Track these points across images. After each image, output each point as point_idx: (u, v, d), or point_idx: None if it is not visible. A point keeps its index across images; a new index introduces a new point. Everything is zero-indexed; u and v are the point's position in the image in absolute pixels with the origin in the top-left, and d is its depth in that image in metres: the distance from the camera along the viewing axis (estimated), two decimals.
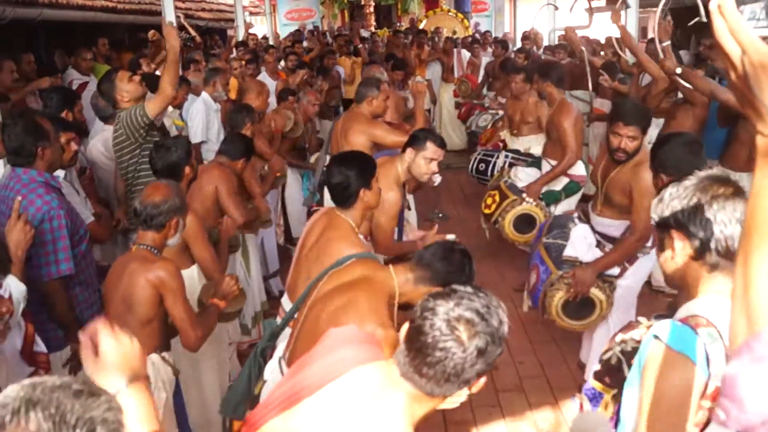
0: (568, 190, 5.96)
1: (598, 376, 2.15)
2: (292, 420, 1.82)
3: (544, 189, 5.89)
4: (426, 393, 1.74)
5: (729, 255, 1.80)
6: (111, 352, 1.62)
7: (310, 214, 6.35)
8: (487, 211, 6.04)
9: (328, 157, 5.83)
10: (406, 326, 1.78)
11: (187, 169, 3.99)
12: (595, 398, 2.13)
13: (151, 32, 8.07)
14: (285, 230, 7.00)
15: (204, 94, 6.72)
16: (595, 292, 4.25)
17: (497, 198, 5.96)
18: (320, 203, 6.18)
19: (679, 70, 5.34)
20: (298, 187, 7.03)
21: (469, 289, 1.77)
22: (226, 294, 3.51)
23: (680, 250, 1.88)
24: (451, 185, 9.49)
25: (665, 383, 1.76)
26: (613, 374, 2.07)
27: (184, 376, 3.70)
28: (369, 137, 5.38)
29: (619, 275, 4.34)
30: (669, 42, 5.68)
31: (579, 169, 6.00)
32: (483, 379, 1.76)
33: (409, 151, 4.22)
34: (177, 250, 3.80)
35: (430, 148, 4.19)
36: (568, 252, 4.40)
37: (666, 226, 1.92)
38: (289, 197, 6.96)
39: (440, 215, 8.41)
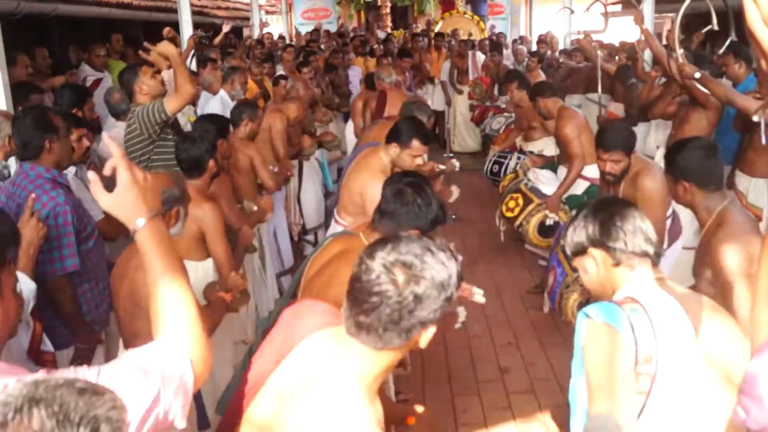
0: (590, 194, 5.85)
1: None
2: (267, 394, 1.77)
3: (567, 194, 5.88)
4: (371, 348, 1.64)
5: (641, 253, 2.17)
6: (128, 185, 1.65)
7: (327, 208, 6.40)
8: (509, 214, 5.99)
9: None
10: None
11: (211, 163, 3.99)
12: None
13: (167, 29, 8.06)
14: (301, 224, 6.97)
15: (222, 92, 6.73)
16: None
17: (520, 201, 5.93)
18: None
19: (698, 75, 5.28)
20: (317, 176, 7.02)
21: (413, 235, 1.68)
22: (232, 287, 3.44)
23: (602, 262, 2.22)
24: (464, 187, 9.39)
25: (596, 351, 2.04)
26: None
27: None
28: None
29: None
30: (683, 51, 5.62)
31: (597, 172, 5.91)
32: (432, 330, 1.65)
33: (394, 146, 4.20)
34: (194, 240, 3.80)
35: (415, 145, 4.18)
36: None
37: (583, 250, 2.27)
38: (305, 188, 6.94)
39: (453, 216, 8.38)
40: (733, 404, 1.34)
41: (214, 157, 4.01)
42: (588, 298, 4.22)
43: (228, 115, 6.41)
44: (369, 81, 8.05)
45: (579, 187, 5.92)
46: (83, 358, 3.37)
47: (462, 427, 4.36)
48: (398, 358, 1.73)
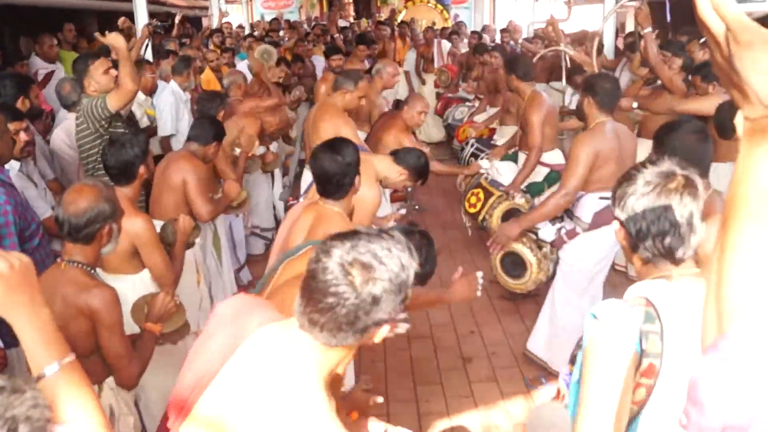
0: (551, 180, 5.91)
1: (572, 359, 2.10)
2: (211, 400, 1.71)
3: (527, 181, 5.89)
4: (323, 343, 1.62)
5: (661, 253, 1.89)
6: None
7: (287, 209, 6.30)
8: (472, 210, 5.98)
9: (299, 149, 5.79)
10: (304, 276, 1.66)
11: (142, 169, 3.70)
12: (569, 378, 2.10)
13: (122, 19, 7.91)
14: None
15: (173, 84, 6.59)
16: (524, 251, 4.60)
17: (481, 196, 5.92)
18: (296, 196, 6.10)
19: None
20: (267, 178, 6.93)
21: (373, 231, 1.64)
22: (160, 315, 3.02)
23: (620, 238, 1.99)
24: (429, 178, 9.40)
25: (598, 356, 1.78)
26: None
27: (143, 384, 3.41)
28: (336, 133, 5.28)
29: (555, 244, 4.56)
30: (650, 29, 5.65)
31: (558, 158, 6.01)
32: (386, 328, 1.63)
33: (402, 171, 4.24)
34: (127, 255, 3.58)
35: (410, 174, 4.26)
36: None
37: (615, 216, 2.00)
38: (256, 189, 6.83)
39: (416, 207, 8.35)
40: None
41: (144, 162, 3.72)
42: (502, 249, 4.55)
43: (178, 106, 6.32)
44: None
45: (539, 174, 5.95)
46: None
47: (424, 417, 4.33)
48: (352, 352, 1.72)
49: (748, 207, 1.03)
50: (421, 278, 2.81)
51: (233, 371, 1.72)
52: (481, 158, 6.65)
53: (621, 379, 1.75)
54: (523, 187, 5.83)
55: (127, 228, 3.37)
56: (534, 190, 5.90)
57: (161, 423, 1.97)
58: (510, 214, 5.71)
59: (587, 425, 1.76)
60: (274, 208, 7.11)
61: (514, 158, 6.30)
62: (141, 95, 6.25)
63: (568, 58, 7.45)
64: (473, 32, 13.27)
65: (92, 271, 2.83)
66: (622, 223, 1.95)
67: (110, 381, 2.89)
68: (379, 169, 4.23)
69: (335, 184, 3.28)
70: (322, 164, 3.28)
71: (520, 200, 5.75)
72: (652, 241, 1.88)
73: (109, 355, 2.77)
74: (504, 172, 6.11)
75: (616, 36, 9.37)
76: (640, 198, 1.89)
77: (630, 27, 11.15)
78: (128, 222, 3.40)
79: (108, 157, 3.66)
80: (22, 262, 1.49)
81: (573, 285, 4.54)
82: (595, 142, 4.29)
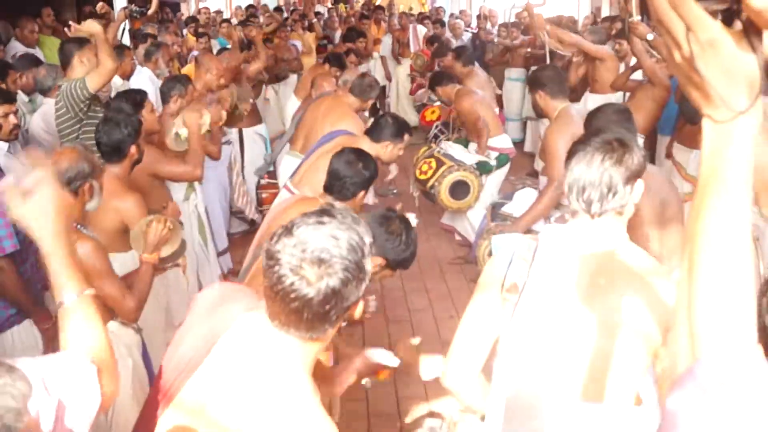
0: (501, 162, 6.40)
1: None
2: (194, 388, 1.72)
3: (477, 160, 6.23)
4: (301, 339, 1.62)
5: (582, 207, 2.15)
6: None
7: (259, 186, 6.31)
8: (422, 177, 6.22)
9: (292, 131, 5.81)
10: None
11: (133, 149, 3.78)
12: None
13: (100, 5, 7.84)
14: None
15: (147, 71, 6.55)
16: None
17: (433, 165, 6.17)
18: (272, 175, 6.11)
19: (650, 37, 5.35)
20: (259, 152, 6.90)
21: (311, 218, 1.58)
22: (156, 242, 3.25)
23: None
24: (405, 161, 9.41)
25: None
26: None
27: (153, 329, 3.68)
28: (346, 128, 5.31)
29: None
30: (639, 16, 5.63)
31: (505, 142, 6.48)
32: (361, 304, 1.64)
33: (386, 144, 4.36)
34: (118, 233, 3.63)
35: (406, 139, 4.44)
36: (506, 208, 4.79)
37: None
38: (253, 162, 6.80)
39: (394, 191, 8.38)
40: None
41: (136, 142, 3.80)
42: None
43: (157, 94, 6.24)
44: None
45: (490, 156, 6.34)
46: (52, 339, 3.25)
47: (403, 401, 4.39)
48: (333, 334, 1.71)
49: (717, 218, 0.98)
50: (404, 263, 2.88)
51: (216, 360, 1.73)
52: (440, 140, 6.99)
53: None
54: (474, 166, 6.15)
55: (117, 206, 3.55)
56: (484, 169, 6.26)
57: (145, 406, 1.98)
58: (458, 185, 6.06)
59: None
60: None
61: (465, 142, 6.66)
62: (119, 80, 6.22)
63: (547, 45, 7.51)
64: (436, 20, 13.19)
65: (78, 227, 2.99)
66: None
67: (111, 324, 3.03)
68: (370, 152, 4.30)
69: (341, 184, 3.42)
70: (342, 163, 3.46)
71: (466, 169, 6.08)
72: (576, 195, 2.14)
73: (104, 298, 2.89)
74: (455, 151, 6.40)
75: (593, 21, 9.42)
76: (579, 160, 2.14)
77: (606, 12, 11.20)
78: (118, 200, 3.54)
79: (101, 134, 3.74)
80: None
81: None
82: (567, 129, 4.35)
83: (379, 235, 2.70)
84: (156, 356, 3.47)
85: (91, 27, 4.46)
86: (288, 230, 1.56)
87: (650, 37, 5.30)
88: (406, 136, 4.42)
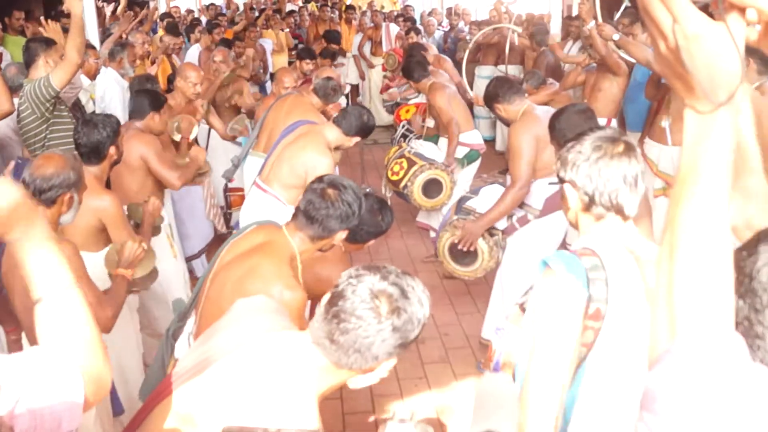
0: (470, 158, 6.49)
1: (510, 317, 2.34)
2: (201, 386, 1.75)
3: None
4: (333, 362, 1.69)
5: (613, 207, 2.06)
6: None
7: (226, 189, 6.26)
8: (394, 177, 6.25)
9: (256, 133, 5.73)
10: (329, 294, 1.72)
11: (112, 149, 3.80)
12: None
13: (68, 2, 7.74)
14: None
15: (112, 72, 6.46)
16: (479, 243, 4.61)
17: (405, 165, 6.21)
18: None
19: (617, 37, 5.39)
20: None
21: (397, 270, 1.74)
22: (130, 260, 3.28)
23: (572, 199, 2.12)
24: (378, 160, 9.44)
25: (550, 299, 1.97)
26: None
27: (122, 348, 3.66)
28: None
29: (507, 231, 4.67)
30: (593, 23, 5.66)
31: (476, 138, 6.53)
32: (392, 362, 1.73)
33: (354, 138, 4.50)
34: (93, 231, 3.64)
35: (355, 140, 4.53)
36: (471, 202, 4.80)
37: (562, 179, 2.15)
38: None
39: (368, 189, 8.35)
40: None
41: (115, 143, 3.82)
42: (464, 246, 4.57)
43: (124, 95, 6.17)
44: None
45: (459, 152, 6.39)
46: (16, 346, 3.19)
47: (377, 399, 4.38)
48: (351, 377, 1.76)
49: (697, 205, 1.01)
50: (380, 233, 3.14)
51: (223, 373, 1.74)
52: (409, 139, 6.96)
53: (574, 322, 1.92)
54: (445, 163, 6.23)
55: (95, 205, 3.55)
56: None
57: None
58: (431, 184, 6.10)
59: (542, 365, 1.93)
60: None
61: (435, 140, 6.70)
62: (86, 80, 6.13)
63: (509, 40, 7.60)
64: (406, 18, 13.16)
65: None
66: (574, 185, 2.10)
67: None
68: (330, 139, 4.35)
69: (320, 223, 2.68)
70: (366, 211, 2.93)
71: (437, 168, 6.12)
72: (608, 198, 2.04)
73: None
74: (426, 150, 6.46)
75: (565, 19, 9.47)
76: (593, 162, 2.05)
77: (576, 11, 11.24)
78: (96, 199, 3.55)
79: (80, 135, 3.75)
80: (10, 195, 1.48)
81: (523, 271, 4.55)
82: (531, 127, 4.38)
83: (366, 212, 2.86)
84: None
85: (73, 5, 4.32)
86: (380, 268, 1.73)
87: (616, 37, 5.35)
88: (356, 138, 4.52)
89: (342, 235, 2.72)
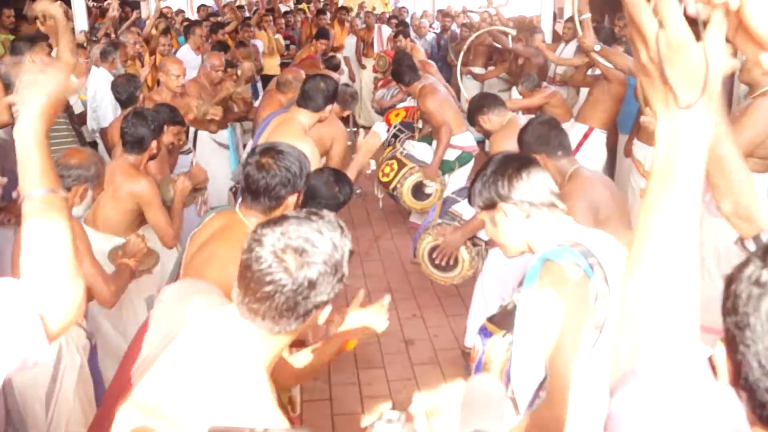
0: (462, 160, 6.41)
1: (491, 318, 2.39)
2: (158, 375, 1.70)
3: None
4: (268, 332, 1.63)
5: (548, 204, 2.21)
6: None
7: (234, 190, 6.20)
8: (385, 179, 6.30)
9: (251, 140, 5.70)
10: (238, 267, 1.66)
11: (154, 144, 4.01)
12: (485, 335, 2.35)
13: (58, 3, 7.72)
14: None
15: (104, 71, 6.43)
16: (461, 251, 4.59)
17: (395, 167, 6.25)
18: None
19: (597, 47, 5.40)
20: (223, 159, 6.78)
21: (301, 213, 1.64)
22: (133, 252, 3.43)
23: (513, 215, 2.22)
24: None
25: (563, 290, 2.02)
26: (507, 317, 2.27)
27: (106, 339, 3.74)
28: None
29: (490, 243, 4.57)
30: (589, 15, 5.65)
31: (468, 140, 6.46)
32: (328, 309, 1.66)
33: (327, 109, 4.44)
34: (128, 213, 3.87)
35: (328, 110, 4.47)
36: (457, 207, 4.75)
37: (492, 205, 2.25)
38: (214, 174, 6.64)
39: (359, 191, 8.34)
40: None
41: (158, 138, 4.04)
42: (445, 255, 4.54)
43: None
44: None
45: (450, 155, 6.34)
46: None
47: (367, 400, 4.37)
48: (295, 336, 1.72)
49: (667, 215, 1.01)
50: (340, 205, 3.22)
51: (173, 357, 1.71)
52: (401, 140, 6.98)
53: (590, 308, 2.00)
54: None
55: (132, 189, 3.82)
56: (445, 167, 6.32)
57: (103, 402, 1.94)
58: (421, 186, 6.16)
59: (573, 357, 1.98)
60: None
61: (429, 140, 6.70)
62: (74, 79, 6.08)
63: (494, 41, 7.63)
64: (398, 22, 13.12)
65: None
66: (514, 202, 2.23)
67: None
68: (305, 123, 4.34)
69: (265, 195, 2.65)
70: (321, 183, 3.32)
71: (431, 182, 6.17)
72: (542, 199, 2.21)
73: (86, 277, 2.83)
74: (419, 151, 6.47)
75: (554, 21, 9.48)
76: (525, 178, 2.23)
77: (568, 12, 11.26)
78: (133, 184, 3.82)
79: (129, 125, 3.94)
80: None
81: (505, 281, 4.50)
82: (511, 136, 4.32)
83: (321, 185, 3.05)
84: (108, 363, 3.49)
85: (52, 10, 4.20)
86: (278, 220, 1.62)
87: (597, 48, 5.38)
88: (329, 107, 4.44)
89: (293, 199, 2.66)
